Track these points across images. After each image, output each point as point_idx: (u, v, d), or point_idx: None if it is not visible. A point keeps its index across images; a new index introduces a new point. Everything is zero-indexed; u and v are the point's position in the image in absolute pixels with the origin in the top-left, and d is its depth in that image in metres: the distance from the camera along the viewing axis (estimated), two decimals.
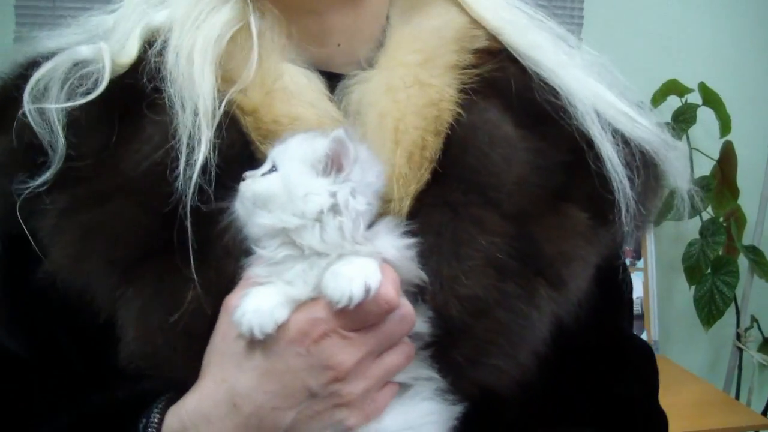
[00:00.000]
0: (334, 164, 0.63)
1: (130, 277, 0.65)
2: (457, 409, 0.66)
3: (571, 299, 0.71)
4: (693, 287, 2.41)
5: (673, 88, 2.43)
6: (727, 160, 2.46)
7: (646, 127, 0.77)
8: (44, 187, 0.66)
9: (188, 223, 0.64)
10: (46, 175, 0.66)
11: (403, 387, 0.66)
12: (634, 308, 2.23)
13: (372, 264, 0.60)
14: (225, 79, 0.71)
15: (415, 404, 0.66)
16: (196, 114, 0.67)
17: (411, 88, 0.73)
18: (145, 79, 0.70)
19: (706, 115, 2.44)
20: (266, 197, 0.63)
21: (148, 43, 0.72)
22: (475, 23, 0.79)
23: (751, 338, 2.58)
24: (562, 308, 0.70)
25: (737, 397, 2.56)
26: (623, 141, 0.75)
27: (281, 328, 0.60)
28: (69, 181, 0.67)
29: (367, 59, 0.77)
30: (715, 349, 2.72)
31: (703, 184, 2.39)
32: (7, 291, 0.73)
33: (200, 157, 0.65)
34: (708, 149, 2.47)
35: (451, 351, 0.66)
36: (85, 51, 0.72)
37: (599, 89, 0.78)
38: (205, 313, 0.64)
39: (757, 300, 2.57)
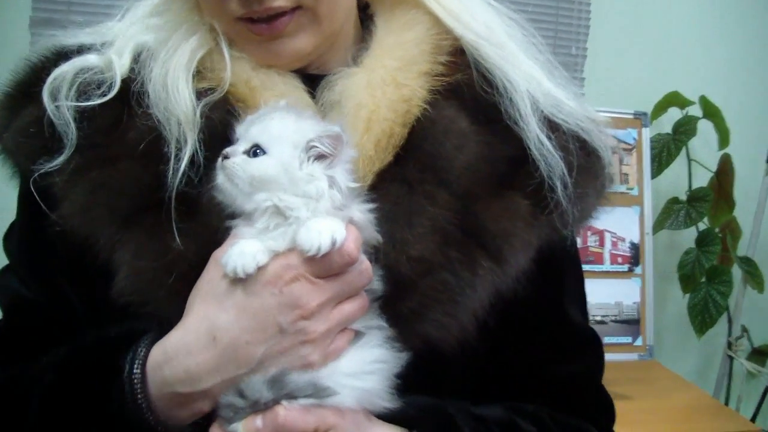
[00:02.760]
0: (327, 154, 0.73)
1: (129, 224, 0.78)
2: (404, 357, 0.75)
3: (509, 273, 0.81)
4: (687, 295, 2.46)
5: (674, 100, 2.48)
6: (724, 172, 2.51)
7: (576, 110, 0.88)
8: (57, 167, 0.79)
9: (173, 208, 0.76)
10: (59, 159, 0.79)
11: (357, 335, 0.75)
12: (630, 314, 2.27)
13: (339, 223, 0.71)
14: (210, 85, 0.84)
15: (367, 350, 0.75)
16: (179, 124, 0.79)
17: (388, 86, 0.85)
18: (139, 86, 0.83)
19: (705, 128, 2.49)
20: (265, 180, 0.72)
21: (137, 57, 0.85)
22: (444, 31, 0.89)
23: (742, 347, 2.63)
24: (500, 280, 0.81)
25: (726, 403, 2.61)
26: (554, 126, 0.86)
27: (260, 270, 0.70)
28: (83, 147, 0.80)
29: (354, 58, 0.89)
30: (705, 356, 2.78)
31: (700, 195, 2.45)
32: (26, 242, 0.87)
33: (187, 153, 0.78)
34: (706, 161, 2.53)
35: (398, 304, 0.77)
36: (93, 59, 0.85)
37: (537, 76, 0.89)
38: (188, 256, 0.76)
39: (748, 310, 2.63)
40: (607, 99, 2.48)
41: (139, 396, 0.71)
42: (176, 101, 0.80)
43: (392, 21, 0.90)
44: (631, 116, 2.33)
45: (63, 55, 0.86)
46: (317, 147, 0.73)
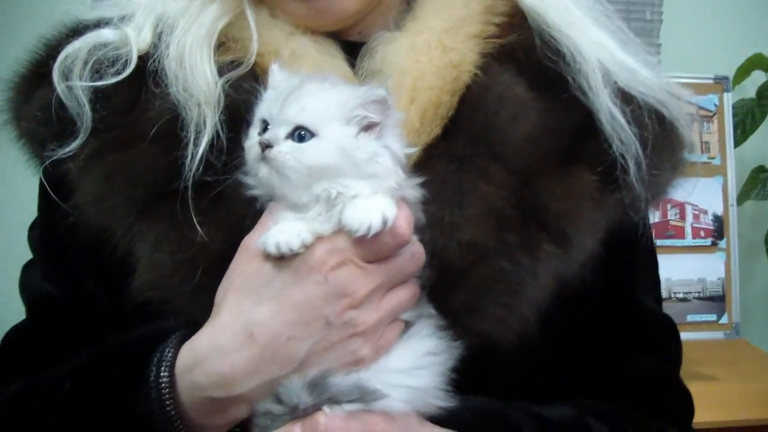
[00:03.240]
0: (376, 123, 0.66)
1: (147, 214, 0.71)
2: (459, 348, 0.69)
3: (575, 258, 0.73)
4: None
5: (758, 62, 2.34)
6: None
7: (652, 80, 0.79)
8: (71, 153, 0.73)
9: (189, 197, 0.70)
10: (74, 144, 0.73)
11: (406, 326, 0.69)
12: (715, 290, 2.20)
13: (389, 200, 0.64)
14: (236, 58, 0.77)
15: (418, 341, 0.68)
16: (199, 105, 0.73)
17: (434, 50, 0.77)
18: (156, 63, 0.76)
19: None
20: (324, 168, 0.65)
21: (157, 31, 0.78)
22: None
23: None
24: (565, 266, 0.73)
25: None
26: (628, 99, 0.77)
27: (302, 255, 0.64)
28: (98, 130, 0.74)
29: (396, 22, 0.81)
30: None
31: None
32: (45, 235, 0.82)
33: (206, 136, 0.71)
34: None
35: (449, 296, 0.70)
36: (108, 34, 0.78)
37: (608, 45, 0.80)
38: (214, 248, 0.70)
39: None
40: (686, 65, 2.35)
41: (167, 403, 0.65)
42: (195, 80, 0.73)
43: None
44: (711, 81, 2.23)
45: (78, 31, 0.80)
46: (367, 116, 0.65)
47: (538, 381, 0.79)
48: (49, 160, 0.73)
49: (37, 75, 0.78)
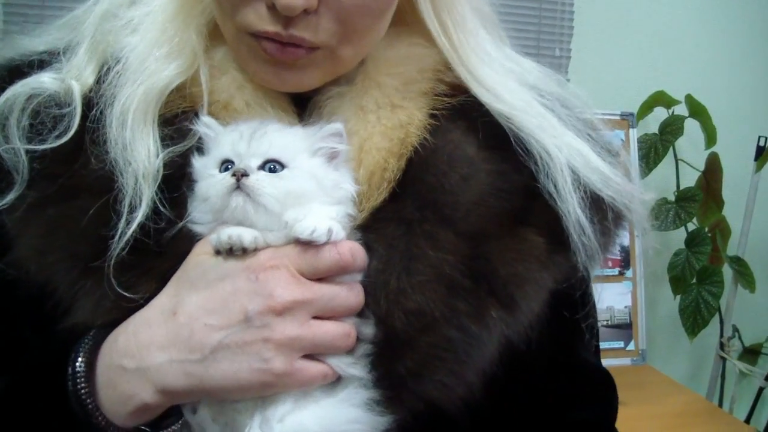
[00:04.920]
0: (335, 151, 0.69)
1: (90, 272, 0.67)
2: (385, 421, 0.66)
3: (522, 321, 0.71)
4: (678, 297, 2.43)
5: (660, 99, 2.45)
6: (712, 171, 2.48)
7: (617, 183, 0.77)
8: (6, 206, 0.69)
9: (111, 276, 0.66)
10: (9, 197, 0.69)
11: (334, 388, 0.66)
12: (622, 318, 2.24)
13: (339, 223, 0.66)
14: (186, 106, 0.74)
15: (342, 408, 0.65)
16: (136, 179, 0.69)
17: (382, 109, 0.75)
18: (98, 118, 0.72)
19: (692, 127, 2.47)
20: (299, 194, 0.66)
21: (102, 73, 0.74)
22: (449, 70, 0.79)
23: (734, 347, 2.61)
24: (512, 330, 0.71)
25: (720, 404, 2.59)
26: (598, 205, 0.75)
27: (247, 255, 0.65)
28: (38, 179, 0.70)
29: (346, 77, 0.78)
30: (697, 358, 2.75)
31: (689, 195, 2.42)
32: None
33: (138, 217, 0.67)
34: (694, 161, 2.50)
35: (394, 362, 0.67)
36: (48, 83, 0.74)
37: (583, 150, 0.78)
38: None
39: (737, 309, 2.60)
40: (593, 99, 2.43)
41: (82, 389, 0.64)
42: (135, 148, 0.69)
43: (392, 35, 0.79)
44: (617, 117, 2.30)
45: (16, 70, 0.75)
46: (329, 147, 0.68)
47: None
48: None
49: None
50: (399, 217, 0.71)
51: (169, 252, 0.69)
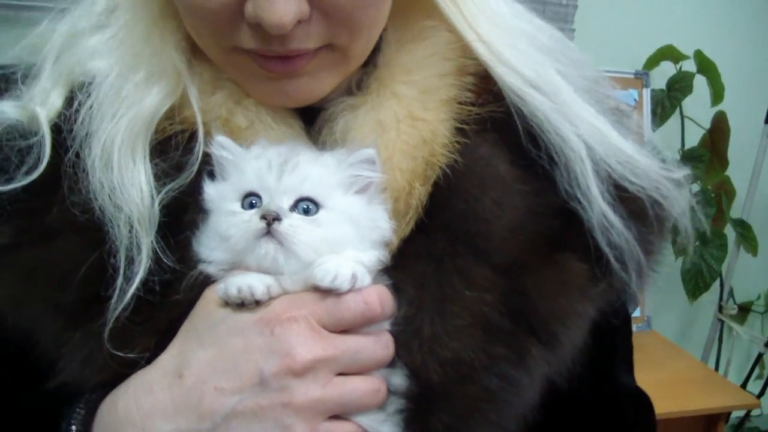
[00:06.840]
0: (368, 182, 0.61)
1: (78, 321, 0.59)
2: None
3: (565, 359, 0.65)
4: (680, 259, 2.37)
5: (668, 53, 2.36)
6: (718, 130, 2.41)
7: (648, 168, 0.68)
8: None
9: (105, 340, 0.58)
10: None
11: None
12: None
13: (363, 267, 0.58)
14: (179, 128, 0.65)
15: None
16: (131, 225, 0.60)
17: (402, 123, 0.66)
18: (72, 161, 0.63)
19: (699, 84, 2.37)
20: (337, 241, 0.58)
21: (74, 90, 0.66)
22: (469, 54, 0.70)
23: (733, 310, 2.58)
24: (554, 369, 0.64)
25: (717, 368, 2.59)
26: (620, 191, 0.66)
27: (260, 306, 0.57)
28: (13, 213, 0.61)
29: (357, 82, 0.70)
30: (694, 319, 2.72)
31: (695, 155, 2.35)
32: None
33: (141, 270, 0.59)
34: (700, 118, 2.42)
35: (429, 417, 0.59)
36: (9, 111, 0.65)
37: (603, 129, 0.68)
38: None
39: (737, 272, 2.57)
40: (599, 51, 2.33)
41: None
42: (126, 190, 0.60)
43: (403, 31, 0.71)
44: (632, 76, 2.21)
45: None
46: (361, 176, 0.60)
47: None
48: None
49: None
50: (428, 252, 0.63)
51: (170, 302, 0.60)
